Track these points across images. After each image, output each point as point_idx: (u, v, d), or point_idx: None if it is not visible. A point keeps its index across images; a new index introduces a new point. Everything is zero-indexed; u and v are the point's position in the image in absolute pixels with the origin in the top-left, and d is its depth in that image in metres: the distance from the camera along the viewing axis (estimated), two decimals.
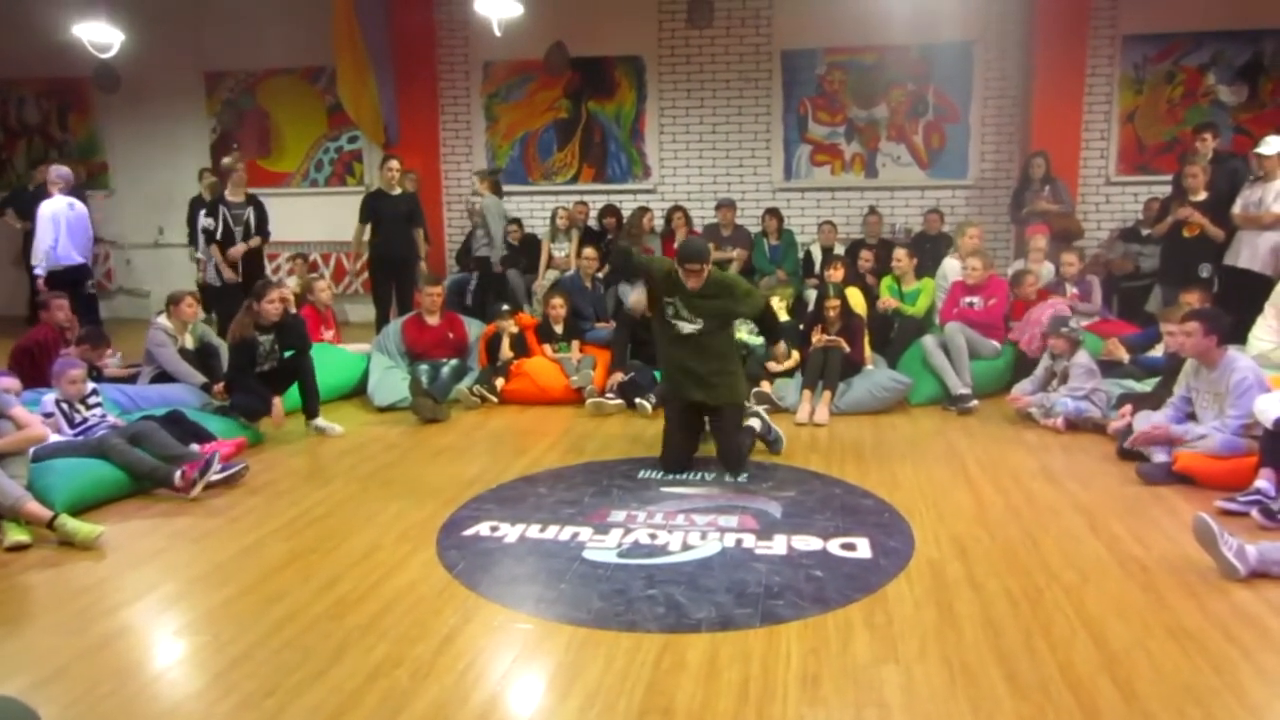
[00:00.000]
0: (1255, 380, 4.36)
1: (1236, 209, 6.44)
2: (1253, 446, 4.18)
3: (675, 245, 8.45)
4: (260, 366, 5.50)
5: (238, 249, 7.39)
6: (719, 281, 4.65)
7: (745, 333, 6.62)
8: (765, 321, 5.06)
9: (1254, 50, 8.52)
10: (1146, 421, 4.74)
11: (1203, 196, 6.68)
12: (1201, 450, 4.37)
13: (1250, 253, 6.33)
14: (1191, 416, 4.66)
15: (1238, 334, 5.15)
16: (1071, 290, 6.81)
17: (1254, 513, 3.87)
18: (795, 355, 6.26)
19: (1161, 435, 4.53)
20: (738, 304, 4.71)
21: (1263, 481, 3.97)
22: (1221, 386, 4.46)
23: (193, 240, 9.60)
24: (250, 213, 7.54)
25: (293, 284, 7.82)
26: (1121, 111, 8.82)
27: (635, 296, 4.36)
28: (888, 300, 6.88)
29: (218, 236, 7.36)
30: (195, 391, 5.74)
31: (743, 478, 4.63)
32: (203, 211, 7.59)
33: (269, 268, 9.15)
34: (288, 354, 5.59)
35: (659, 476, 4.69)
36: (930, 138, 9.21)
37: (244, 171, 7.71)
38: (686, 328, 4.61)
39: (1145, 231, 7.65)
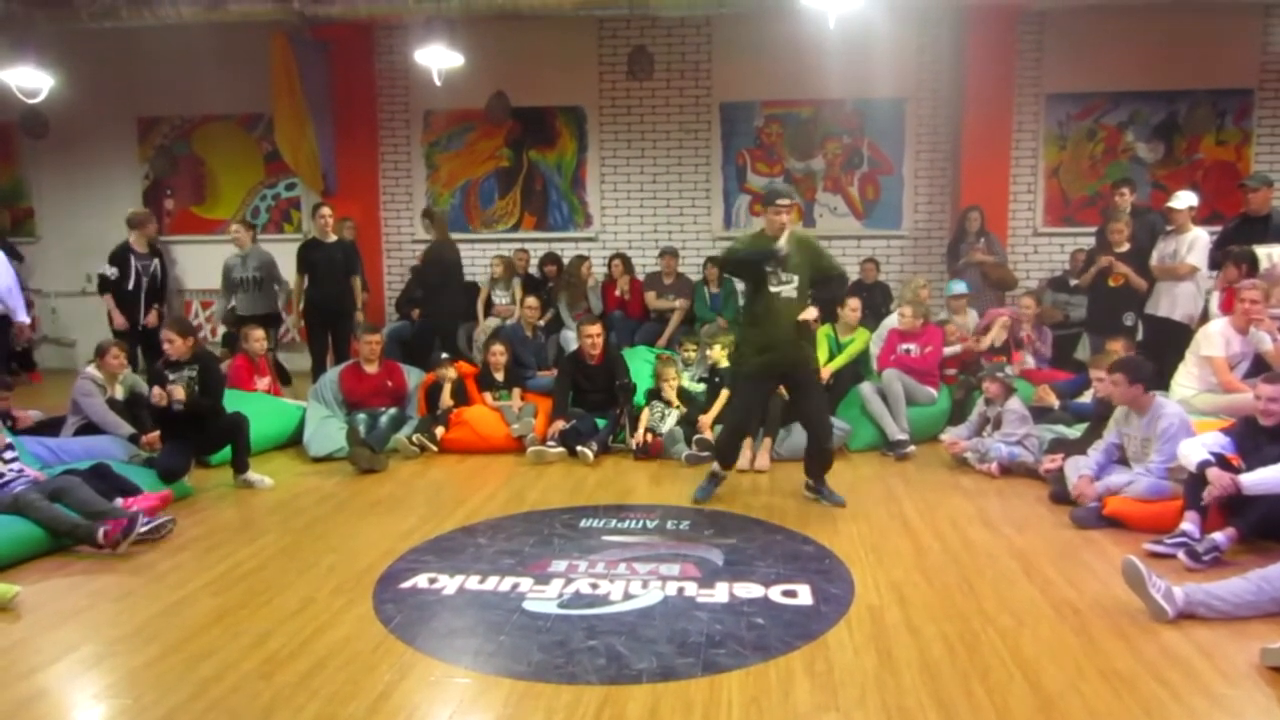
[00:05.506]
0: (1181, 426, 4.51)
1: (1153, 261, 6.72)
2: (1178, 490, 4.30)
3: (616, 292, 8.53)
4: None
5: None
6: (797, 234, 4.75)
7: (686, 380, 6.66)
8: (834, 278, 4.98)
9: (1169, 110, 8.97)
10: (1075, 469, 4.86)
11: (1125, 248, 6.96)
12: (1130, 495, 4.49)
13: (1169, 302, 6.60)
14: (1123, 461, 4.80)
15: (1161, 380, 5.33)
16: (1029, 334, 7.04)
17: (1180, 554, 3.97)
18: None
19: (1092, 492, 4.64)
20: (820, 256, 4.83)
21: (1188, 524, 4.09)
22: (1150, 432, 4.60)
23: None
24: (156, 265, 7.66)
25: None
26: (1047, 166, 9.18)
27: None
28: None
29: (129, 286, 7.47)
30: (121, 443, 5.56)
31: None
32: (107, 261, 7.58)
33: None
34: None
35: (601, 525, 4.65)
36: (865, 189, 9.46)
37: (149, 223, 7.78)
38: (789, 290, 4.65)
39: (1073, 282, 7.92)
